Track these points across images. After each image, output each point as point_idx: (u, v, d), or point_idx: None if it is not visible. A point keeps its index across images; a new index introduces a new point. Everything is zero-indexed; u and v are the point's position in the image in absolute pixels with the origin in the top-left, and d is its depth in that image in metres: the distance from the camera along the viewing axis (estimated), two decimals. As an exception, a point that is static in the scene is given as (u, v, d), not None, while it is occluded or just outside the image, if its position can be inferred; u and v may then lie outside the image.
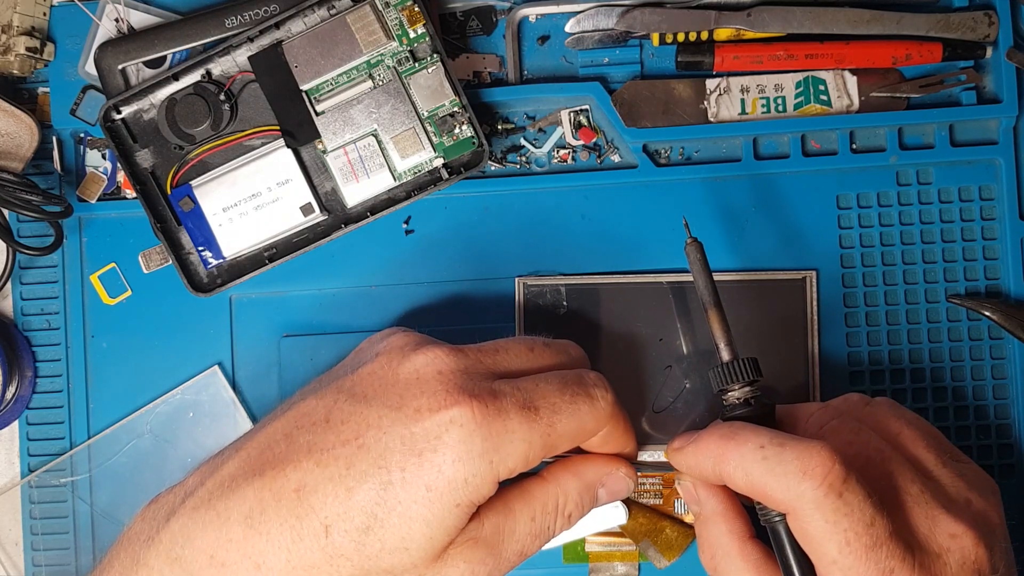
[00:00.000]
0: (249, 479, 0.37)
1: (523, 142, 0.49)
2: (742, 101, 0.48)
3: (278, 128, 0.47)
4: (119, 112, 0.47)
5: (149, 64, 0.48)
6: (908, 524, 0.37)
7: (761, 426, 0.39)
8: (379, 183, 0.47)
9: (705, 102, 0.48)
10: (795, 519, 0.37)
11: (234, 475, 0.38)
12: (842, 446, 0.38)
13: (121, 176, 0.50)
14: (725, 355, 0.41)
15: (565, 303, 0.48)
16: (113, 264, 0.50)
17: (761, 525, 0.40)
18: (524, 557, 0.39)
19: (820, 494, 0.36)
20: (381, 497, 0.36)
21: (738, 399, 0.41)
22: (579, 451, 0.44)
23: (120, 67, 0.47)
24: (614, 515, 0.46)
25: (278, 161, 0.47)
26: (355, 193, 0.47)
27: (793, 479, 0.36)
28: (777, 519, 0.38)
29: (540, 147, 0.49)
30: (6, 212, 0.47)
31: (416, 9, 0.46)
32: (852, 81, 0.48)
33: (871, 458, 0.39)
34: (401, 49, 0.46)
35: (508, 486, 0.40)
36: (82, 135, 0.50)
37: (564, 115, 0.49)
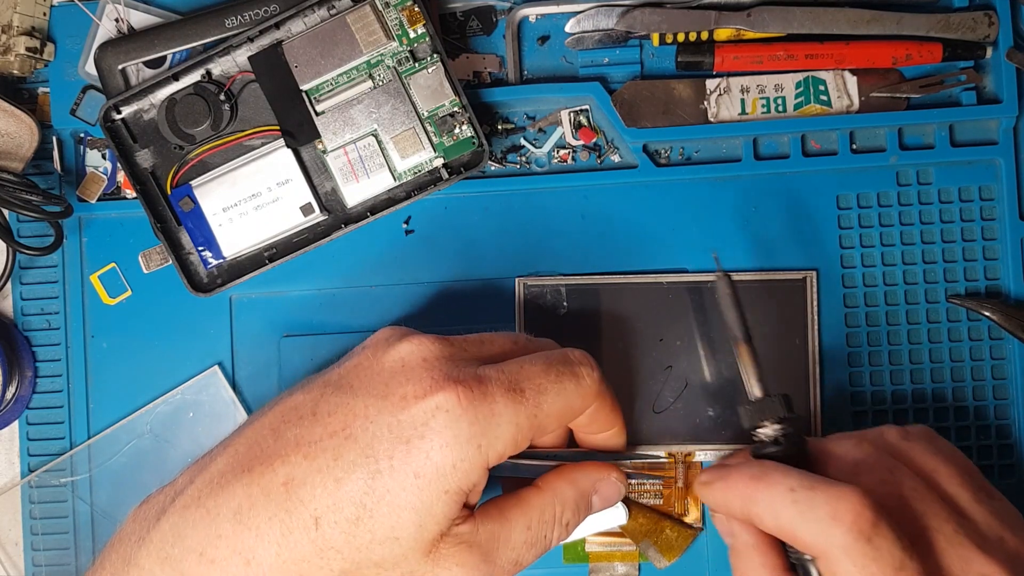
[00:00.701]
0: (238, 475, 0.37)
1: (523, 142, 0.49)
2: (742, 101, 0.48)
3: (278, 128, 0.47)
4: (119, 112, 0.47)
5: (149, 64, 0.48)
6: (941, 565, 0.37)
7: (792, 467, 0.38)
8: (379, 183, 0.47)
9: (705, 102, 0.48)
10: (825, 563, 0.36)
11: (223, 472, 0.38)
12: (875, 485, 0.38)
13: (121, 176, 0.50)
14: (756, 391, 0.41)
15: (565, 303, 0.48)
16: (113, 264, 0.50)
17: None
18: (519, 567, 0.39)
19: (849, 539, 0.35)
20: (370, 487, 0.36)
21: (768, 436, 0.40)
22: (573, 446, 0.44)
23: (120, 67, 0.47)
24: (614, 515, 0.46)
25: (278, 161, 0.47)
26: (355, 193, 0.47)
27: (822, 524, 0.36)
28: (808, 559, 0.38)
29: (540, 147, 0.49)
30: (6, 212, 0.47)
31: (416, 9, 0.46)
32: (852, 81, 0.48)
33: (905, 497, 0.38)
34: (401, 49, 0.46)
35: (504, 495, 0.40)
36: (82, 135, 0.50)
37: (564, 115, 0.49)
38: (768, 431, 0.40)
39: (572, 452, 0.44)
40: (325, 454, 0.37)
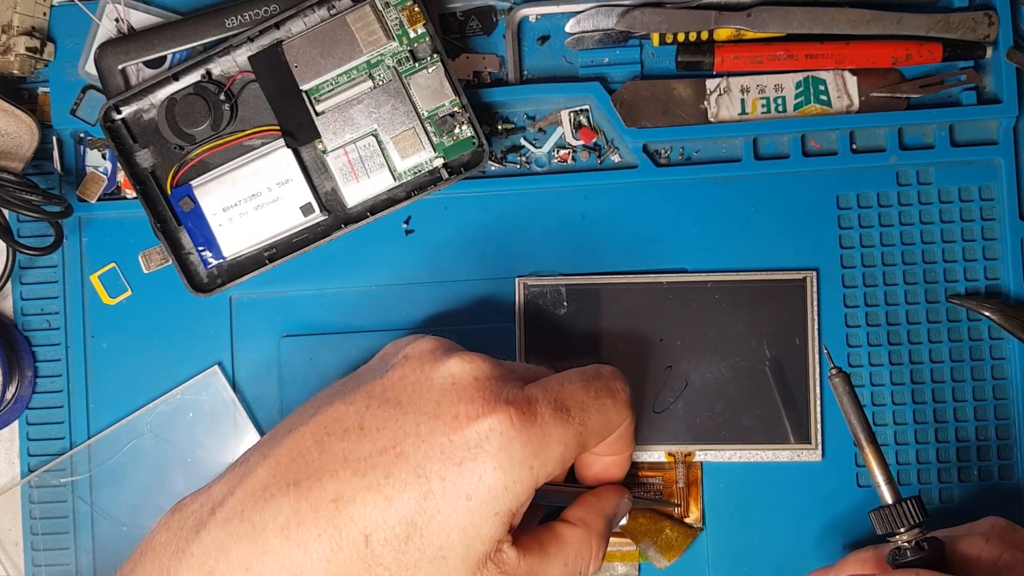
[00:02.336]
0: (284, 489, 0.37)
1: (523, 142, 0.49)
2: (742, 101, 0.48)
3: (278, 128, 0.47)
4: (119, 112, 0.47)
5: (149, 64, 0.48)
6: None
7: (944, 574, 0.38)
8: (379, 183, 0.47)
9: (705, 102, 0.48)
10: None
11: (266, 484, 0.37)
12: None
13: (121, 176, 0.50)
14: (888, 497, 0.40)
15: (565, 303, 0.48)
16: (113, 264, 0.50)
17: None
18: None
19: None
20: (421, 507, 0.36)
21: (908, 542, 0.39)
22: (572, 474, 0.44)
23: (120, 67, 0.47)
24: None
25: (278, 161, 0.47)
26: (355, 193, 0.47)
27: None
28: None
29: (540, 147, 0.49)
30: (6, 212, 0.47)
31: (416, 9, 0.46)
32: (852, 81, 0.48)
33: None
34: (401, 49, 0.46)
35: (538, 528, 0.40)
36: (82, 135, 0.50)
37: (564, 115, 0.49)
38: (907, 536, 0.39)
39: (582, 487, 0.44)
40: (375, 471, 0.36)
